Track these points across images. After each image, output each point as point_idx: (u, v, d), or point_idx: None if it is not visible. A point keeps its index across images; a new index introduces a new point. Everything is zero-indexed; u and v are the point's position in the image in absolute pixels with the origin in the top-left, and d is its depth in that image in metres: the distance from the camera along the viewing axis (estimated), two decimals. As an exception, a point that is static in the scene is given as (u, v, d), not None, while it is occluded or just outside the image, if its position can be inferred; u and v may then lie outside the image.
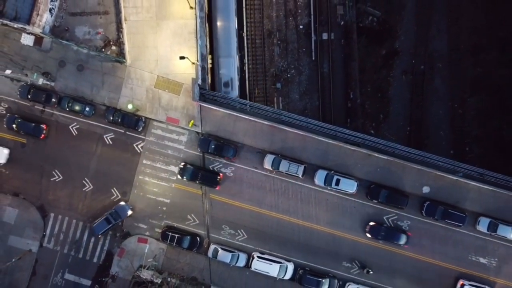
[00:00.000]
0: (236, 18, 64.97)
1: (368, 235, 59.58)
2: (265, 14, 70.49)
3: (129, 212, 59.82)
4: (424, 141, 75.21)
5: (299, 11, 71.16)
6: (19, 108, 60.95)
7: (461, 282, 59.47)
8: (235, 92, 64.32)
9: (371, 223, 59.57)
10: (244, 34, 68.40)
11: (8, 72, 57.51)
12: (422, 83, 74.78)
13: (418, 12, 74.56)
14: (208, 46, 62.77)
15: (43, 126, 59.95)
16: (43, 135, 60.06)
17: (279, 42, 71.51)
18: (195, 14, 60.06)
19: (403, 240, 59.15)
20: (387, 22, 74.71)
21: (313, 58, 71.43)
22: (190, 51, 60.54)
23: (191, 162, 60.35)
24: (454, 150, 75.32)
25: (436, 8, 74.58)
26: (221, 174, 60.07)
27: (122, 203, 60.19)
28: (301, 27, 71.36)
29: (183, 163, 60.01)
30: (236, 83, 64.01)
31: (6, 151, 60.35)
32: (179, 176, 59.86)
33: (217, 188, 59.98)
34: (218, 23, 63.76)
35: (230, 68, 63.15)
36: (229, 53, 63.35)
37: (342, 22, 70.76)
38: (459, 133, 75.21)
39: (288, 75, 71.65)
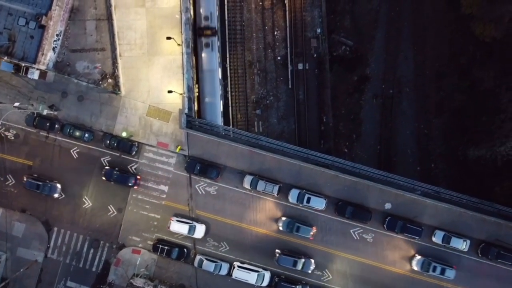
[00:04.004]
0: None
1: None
2: (246, 47, 77.28)
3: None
4: (393, 158, 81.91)
5: (277, 44, 78.00)
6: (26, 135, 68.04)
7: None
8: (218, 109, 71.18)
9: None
10: (227, 65, 75.36)
11: (17, 104, 64.54)
12: (391, 106, 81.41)
13: (387, 41, 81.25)
14: (195, 77, 69.95)
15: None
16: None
17: (259, 72, 78.33)
18: (182, 51, 67.16)
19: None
20: (359, 51, 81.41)
21: (290, 86, 77.96)
22: (178, 83, 67.69)
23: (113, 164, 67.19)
24: (420, 166, 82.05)
25: (403, 38, 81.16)
26: (139, 176, 66.55)
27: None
28: (278, 58, 78.17)
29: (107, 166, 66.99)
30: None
31: (203, 228, 66.64)
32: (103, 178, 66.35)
33: (135, 188, 66.51)
34: (202, 2, 69.62)
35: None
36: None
37: (315, 54, 77.70)
38: (425, 151, 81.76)
39: (267, 102, 78.50)
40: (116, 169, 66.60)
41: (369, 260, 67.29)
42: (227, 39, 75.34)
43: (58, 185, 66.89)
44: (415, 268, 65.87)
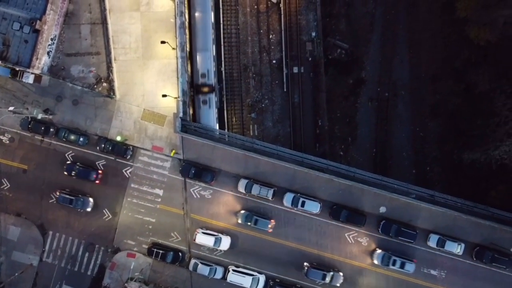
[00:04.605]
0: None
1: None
2: (241, 50, 77.47)
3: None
4: (389, 161, 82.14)
5: (272, 47, 78.18)
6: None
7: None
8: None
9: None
10: (223, 69, 75.50)
11: (11, 108, 64.68)
12: (387, 109, 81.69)
13: (383, 44, 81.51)
14: (189, 81, 70.01)
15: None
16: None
17: (254, 75, 78.52)
18: (176, 55, 67.27)
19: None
20: (355, 54, 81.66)
21: (285, 90, 78.19)
22: (173, 87, 67.79)
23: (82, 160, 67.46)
24: (416, 169, 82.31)
25: (399, 41, 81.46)
26: (100, 171, 66.63)
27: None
28: (274, 62, 78.36)
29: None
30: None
31: (228, 240, 66.56)
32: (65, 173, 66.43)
33: (97, 183, 66.70)
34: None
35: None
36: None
37: (311, 58, 77.86)
38: (420, 154, 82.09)
39: (263, 105, 78.72)
40: (78, 163, 66.70)
41: (361, 263, 67.46)
42: (222, 43, 75.29)
43: (91, 199, 66.97)
44: (376, 262, 65.99)
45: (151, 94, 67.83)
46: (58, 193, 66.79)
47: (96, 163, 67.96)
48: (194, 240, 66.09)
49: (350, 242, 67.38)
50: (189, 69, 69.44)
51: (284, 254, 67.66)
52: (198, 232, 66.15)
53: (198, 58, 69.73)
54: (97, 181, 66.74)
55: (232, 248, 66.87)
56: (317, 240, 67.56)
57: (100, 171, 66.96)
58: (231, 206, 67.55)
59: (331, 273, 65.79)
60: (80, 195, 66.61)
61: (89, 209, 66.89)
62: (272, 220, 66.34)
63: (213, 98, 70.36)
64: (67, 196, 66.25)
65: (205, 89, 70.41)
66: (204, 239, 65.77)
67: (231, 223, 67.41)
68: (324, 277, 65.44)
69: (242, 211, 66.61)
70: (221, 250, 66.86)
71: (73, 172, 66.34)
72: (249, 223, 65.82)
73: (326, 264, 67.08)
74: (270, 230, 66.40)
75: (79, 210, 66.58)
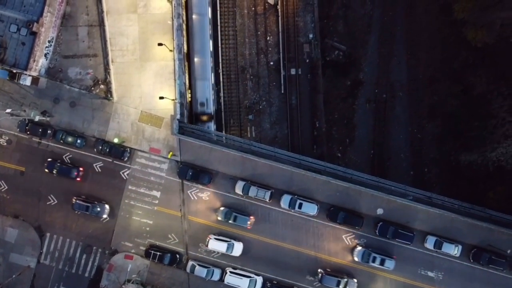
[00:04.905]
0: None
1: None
2: (239, 52, 77.56)
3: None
4: (386, 163, 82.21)
5: (270, 49, 78.24)
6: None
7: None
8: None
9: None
10: (220, 71, 75.55)
11: (8, 110, 64.78)
12: (384, 110, 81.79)
13: (380, 46, 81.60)
14: (187, 83, 70.11)
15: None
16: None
17: (251, 77, 78.58)
18: (174, 57, 67.32)
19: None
20: (352, 56, 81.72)
21: (282, 91, 78.24)
22: (170, 89, 67.85)
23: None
24: (413, 171, 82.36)
25: (396, 42, 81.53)
26: (81, 168, 66.61)
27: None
28: (271, 63, 78.41)
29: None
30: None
31: (241, 246, 66.46)
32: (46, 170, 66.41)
33: (78, 180, 66.60)
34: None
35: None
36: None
37: (308, 59, 77.90)
38: (418, 156, 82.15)
39: (260, 107, 78.75)
40: (59, 161, 66.64)
41: (360, 266, 67.39)
42: (219, 45, 75.37)
43: (107, 206, 66.90)
44: (356, 259, 66.13)
45: (149, 96, 67.89)
46: (74, 200, 66.70)
47: (94, 165, 67.98)
48: (207, 245, 66.04)
49: (348, 244, 67.41)
50: (188, 96, 70.64)
51: (281, 256, 67.66)
52: (210, 238, 66.08)
53: (198, 86, 70.41)
54: (78, 179, 66.66)
55: (245, 254, 66.91)
56: (314, 243, 67.57)
57: (81, 169, 66.89)
58: (228, 207, 67.37)
59: (345, 279, 65.84)
60: (96, 202, 66.59)
61: (105, 216, 66.77)
62: (251, 217, 66.30)
63: (212, 126, 71.57)
64: (83, 203, 66.22)
65: (204, 118, 71.48)
66: (216, 245, 65.72)
67: (229, 225, 67.37)
68: (338, 284, 65.50)
69: (222, 208, 66.63)
70: (233, 256, 66.75)
71: (54, 170, 66.31)
72: (229, 220, 65.83)
73: (335, 269, 67.29)
74: (250, 227, 66.30)
75: (94, 216, 66.68)
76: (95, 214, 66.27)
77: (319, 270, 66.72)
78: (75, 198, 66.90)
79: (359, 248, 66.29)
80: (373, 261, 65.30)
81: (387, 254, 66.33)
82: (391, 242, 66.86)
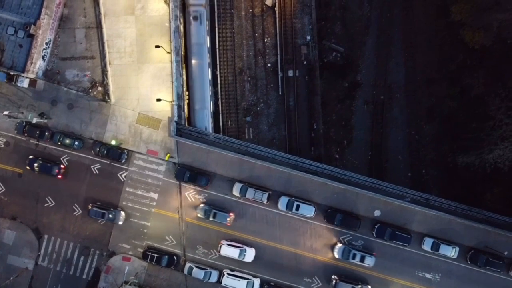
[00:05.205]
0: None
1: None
2: (237, 54, 77.56)
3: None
4: (384, 164, 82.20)
5: (267, 51, 78.27)
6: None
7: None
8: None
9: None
10: (218, 72, 75.56)
11: (6, 112, 64.88)
12: (382, 112, 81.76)
13: (378, 48, 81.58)
14: (185, 85, 70.13)
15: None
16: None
17: (249, 79, 78.57)
18: (171, 59, 67.36)
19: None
20: (350, 57, 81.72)
21: (280, 93, 78.27)
22: (168, 91, 67.89)
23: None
24: (411, 172, 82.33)
25: (394, 44, 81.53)
26: (62, 166, 66.57)
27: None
28: (269, 65, 78.42)
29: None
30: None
31: (253, 251, 66.64)
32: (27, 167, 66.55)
33: (59, 177, 66.54)
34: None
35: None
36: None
37: (306, 61, 77.93)
38: (416, 157, 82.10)
39: (258, 109, 78.78)
40: (40, 158, 66.80)
41: (356, 267, 67.44)
42: (217, 46, 75.42)
43: (122, 213, 66.98)
44: (336, 256, 66.27)
45: (146, 98, 67.94)
46: (90, 206, 66.79)
47: (91, 167, 68.05)
48: (219, 251, 66.15)
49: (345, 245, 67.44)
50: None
51: (278, 258, 67.77)
52: (223, 244, 66.16)
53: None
54: (59, 176, 66.68)
55: (257, 260, 67.06)
56: (311, 245, 67.62)
57: (62, 166, 66.91)
58: (226, 209, 67.48)
59: (359, 286, 65.84)
60: (111, 209, 66.61)
61: (120, 222, 66.80)
62: (231, 214, 66.38)
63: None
64: (99, 210, 66.25)
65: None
66: (229, 251, 65.87)
67: (226, 226, 67.45)
68: None
69: (201, 205, 66.75)
70: (246, 262, 66.85)
71: (36, 167, 66.32)
72: (209, 217, 65.94)
73: (348, 275, 67.40)
74: (229, 224, 66.39)
75: (110, 222, 66.79)
76: (111, 221, 66.27)
77: (333, 277, 66.72)
78: (91, 204, 67.08)
79: (339, 245, 66.44)
80: (353, 258, 65.49)
81: (367, 251, 66.42)
82: (389, 243, 66.85)
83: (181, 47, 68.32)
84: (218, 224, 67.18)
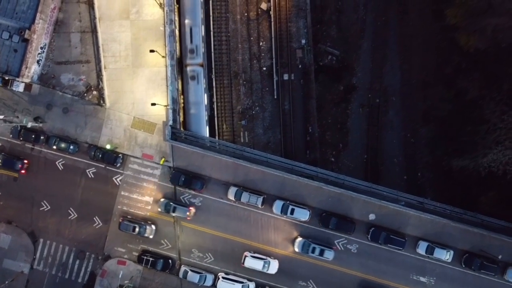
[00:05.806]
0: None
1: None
2: (232, 58, 77.56)
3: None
4: (380, 167, 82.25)
5: (262, 54, 78.34)
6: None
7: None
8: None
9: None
10: (213, 76, 75.63)
11: (1, 116, 65.05)
12: (378, 115, 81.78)
13: (373, 51, 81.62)
14: (179, 88, 70.22)
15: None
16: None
17: (244, 82, 78.68)
18: (166, 63, 67.47)
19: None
20: (345, 60, 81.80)
21: (275, 97, 78.24)
22: (163, 95, 68.01)
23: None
24: (407, 175, 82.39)
25: (389, 47, 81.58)
26: (26, 160, 66.31)
27: None
28: (264, 69, 78.48)
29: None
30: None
31: (276, 263, 66.66)
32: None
33: (22, 173, 66.68)
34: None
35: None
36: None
37: (301, 65, 78.01)
38: (411, 160, 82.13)
39: (253, 112, 78.84)
40: (3, 153, 66.99)
41: (351, 270, 67.61)
42: (212, 50, 75.49)
43: (153, 226, 67.00)
44: (296, 249, 66.40)
45: (141, 102, 68.06)
46: (121, 220, 66.91)
47: (87, 171, 68.18)
48: (243, 263, 66.25)
49: (340, 249, 67.54)
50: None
51: (274, 261, 67.92)
52: (247, 256, 66.25)
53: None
54: (22, 171, 66.78)
55: (280, 271, 67.24)
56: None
57: (26, 161, 67.02)
58: (221, 213, 67.69)
59: None
60: (143, 222, 66.66)
61: (151, 236, 66.81)
62: (190, 208, 66.38)
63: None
64: (130, 224, 66.16)
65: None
66: (253, 263, 65.98)
67: (221, 230, 67.64)
68: None
69: (162, 199, 66.96)
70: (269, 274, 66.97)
71: None
72: (168, 212, 66.11)
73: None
74: (189, 218, 66.47)
75: (140, 236, 66.83)
76: (142, 234, 66.07)
77: None
78: (122, 218, 67.16)
79: (299, 238, 66.54)
80: (313, 252, 65.61)
81: (327, 244, 66.53)
82: (383, 247, 66.98)
83: (175, 51, 68.32)
84: (215, 228, 67.28)
